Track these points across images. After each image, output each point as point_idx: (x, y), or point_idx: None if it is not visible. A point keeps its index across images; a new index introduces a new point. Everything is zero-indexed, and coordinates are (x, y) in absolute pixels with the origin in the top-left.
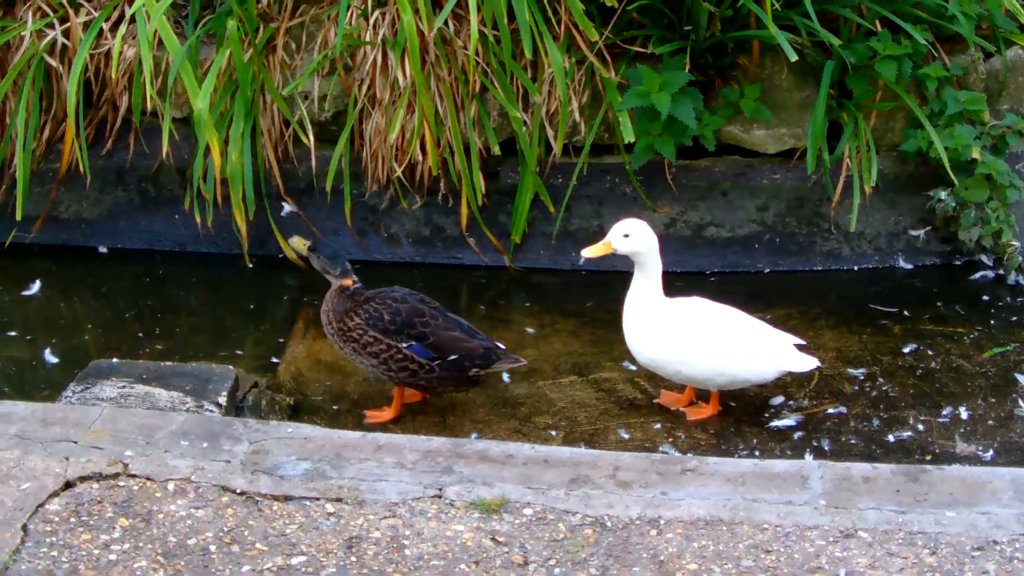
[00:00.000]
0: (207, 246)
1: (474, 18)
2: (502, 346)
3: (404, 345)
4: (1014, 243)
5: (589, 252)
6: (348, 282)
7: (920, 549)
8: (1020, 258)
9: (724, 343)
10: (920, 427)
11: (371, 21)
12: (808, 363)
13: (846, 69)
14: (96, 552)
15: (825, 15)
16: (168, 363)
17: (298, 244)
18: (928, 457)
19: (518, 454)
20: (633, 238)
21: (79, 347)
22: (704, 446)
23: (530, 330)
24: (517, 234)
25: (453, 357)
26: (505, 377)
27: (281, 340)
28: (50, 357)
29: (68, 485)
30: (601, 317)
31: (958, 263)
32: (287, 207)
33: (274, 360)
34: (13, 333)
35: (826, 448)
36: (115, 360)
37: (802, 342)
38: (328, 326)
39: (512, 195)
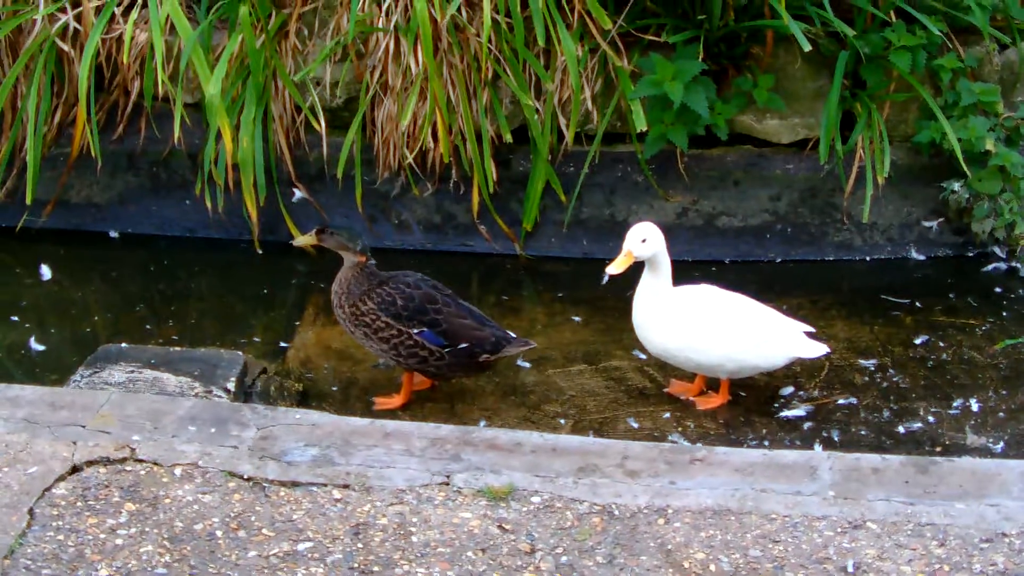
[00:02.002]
0: (217, 231)
1: (487, 5)
2: (513, 334)
3: (415, 331)
4: None
5: (613, 269)
6: (363, 259)
7: (929, 541)
8: None
9: (734, 329)
10: (930, 419)
11: (384, 7)
12: (818, 349)
13: (860, 59)
14: (102, 536)
15: (839, 5)
16: (177, 348)
17: (303, 241)
18: (938, 449)
19: (526, 442)
20: (650, 241)
21: (88, 331)
22: (713, 436)
23: (540, 318)
24: (528, 222)
25: (464, 345)
26: (523, 363)
27: (290, 326)
28: (59, 341)
29: (75, 469)
30: (612, 306)
31: (971, 255)
32: (298, 193)
33: (283, 346)
34: (22, 317)
35: (836, 439)
36: (124, 345)
37: (811, 329)
38: (339, 309)
39: (524, 183)
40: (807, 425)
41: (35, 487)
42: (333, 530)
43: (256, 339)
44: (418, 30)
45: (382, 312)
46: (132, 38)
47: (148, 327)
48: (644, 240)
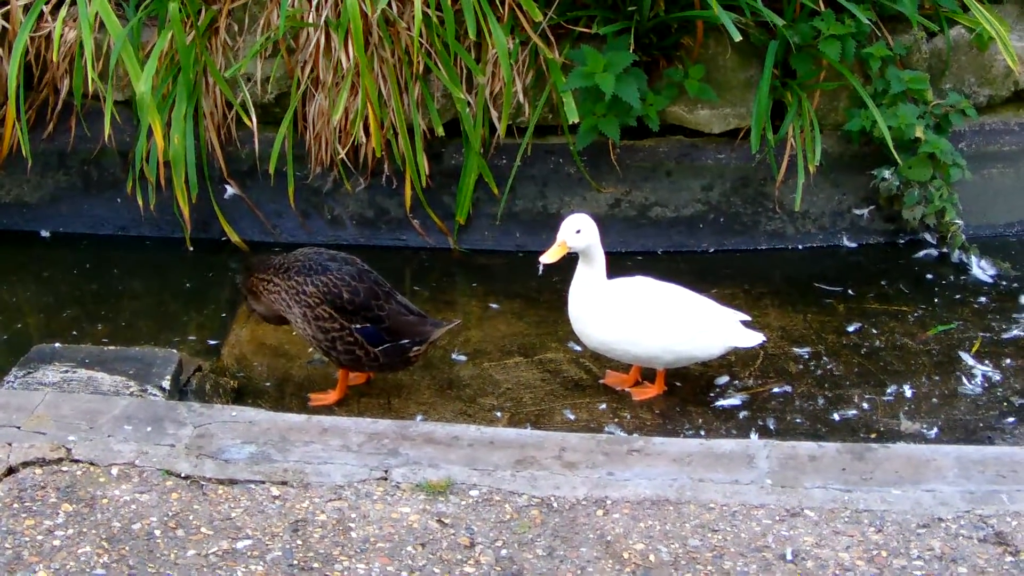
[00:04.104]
0: (150, 230)
1: None
2: (444, 322)
3: (357, 327)
4: (957, 221)
5: (547, 258)
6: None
7: (866, 527)
8: (963, 236)
9: (671, 320)
10: (865, 405)
11: (314, 3)
12: (754, 338)
13: (790, 49)
14: (40, 538)
15: None
16: (111, 347)
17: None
18: (873, 435)
19: (464, 436)
20: (585, 232)
21: (21, 332)
22: (650, 426)
23: (475, 312)
24: (461, 215)
25: (405, 341)
26: (459, 357)
27: (224, 323)
28: None
29: (11, 471)
30: (546, 298)
31: (902, 242)
32: (230, 190)
33: (218, 343)
34: None
35: (771, 427)
36: (57, 345)
37: (747, 318)
38: (268, 282)
39: (456, 176)
40: (743, 414)
41: None
42: (272, 527)
43: (190, 337)
44: (349, 25)
45: (327, 303)
46: (61, 36)
47: (82, 327)
48: (578, 231)
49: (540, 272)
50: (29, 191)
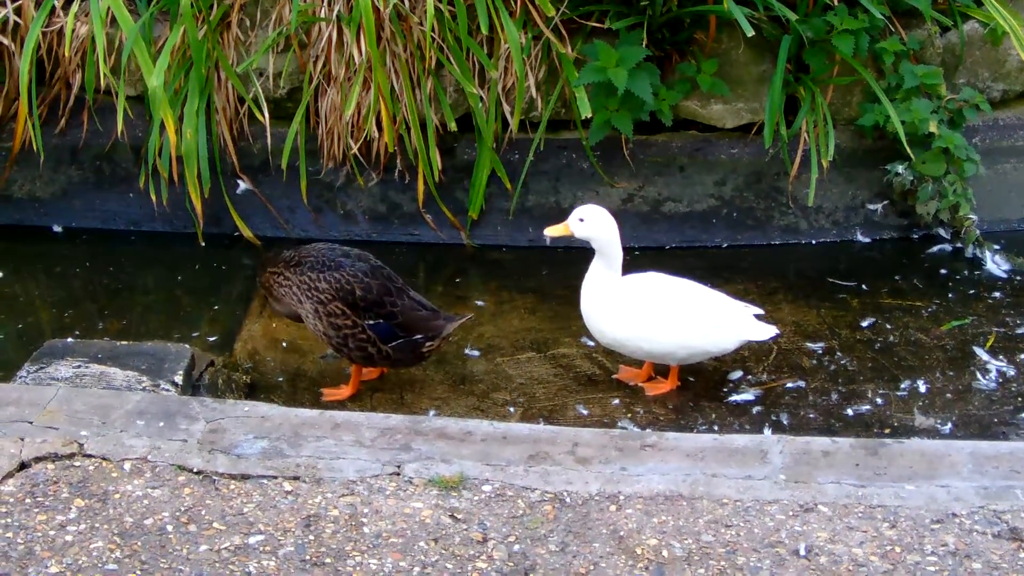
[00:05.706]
0: (162, 225)
1: None
2: (456, 316)
3: (369, 323)
4: (971, 216)
5: (551, 231)
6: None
7: (880, 523)
8: (977, 231)
9: (684, 316)
10: (879, 401)
11: None
12: (767, 332)
13: (803, 43)
14: (52, 533)
15: None
16: (123, 342)
17: (280, 311)
18: (887, 430)
19: (476, 431)
20: (588, 223)
21: (33, 327)
22: (663, 421)
23: (488, 307)
24: (474, 211)
25: (418, 336)
26: (472, 352)
27: (237, 318)
28: (3, 337)
29: (23, 466)
30: (559, 293)
31: (916, 237)
32: (242, 185)
33: (230, 338)
34: None
35: (785, 422)
36: (70, 340)
37: (761, 311)
38: (279, 277)
39: (469, 171)
40: (756, 409)
41: None
42: (284, 522)
43: (203, 332)
44: (361, 19)
45: (339, 299)
46: (73, 31)
47: (94, 322)
48: (582, 220)
49: (548, 243)
50: (41, 186)
